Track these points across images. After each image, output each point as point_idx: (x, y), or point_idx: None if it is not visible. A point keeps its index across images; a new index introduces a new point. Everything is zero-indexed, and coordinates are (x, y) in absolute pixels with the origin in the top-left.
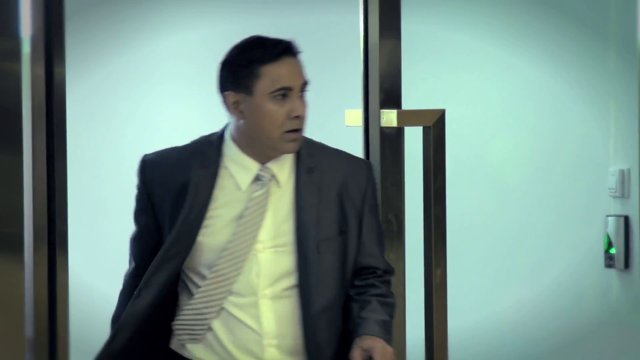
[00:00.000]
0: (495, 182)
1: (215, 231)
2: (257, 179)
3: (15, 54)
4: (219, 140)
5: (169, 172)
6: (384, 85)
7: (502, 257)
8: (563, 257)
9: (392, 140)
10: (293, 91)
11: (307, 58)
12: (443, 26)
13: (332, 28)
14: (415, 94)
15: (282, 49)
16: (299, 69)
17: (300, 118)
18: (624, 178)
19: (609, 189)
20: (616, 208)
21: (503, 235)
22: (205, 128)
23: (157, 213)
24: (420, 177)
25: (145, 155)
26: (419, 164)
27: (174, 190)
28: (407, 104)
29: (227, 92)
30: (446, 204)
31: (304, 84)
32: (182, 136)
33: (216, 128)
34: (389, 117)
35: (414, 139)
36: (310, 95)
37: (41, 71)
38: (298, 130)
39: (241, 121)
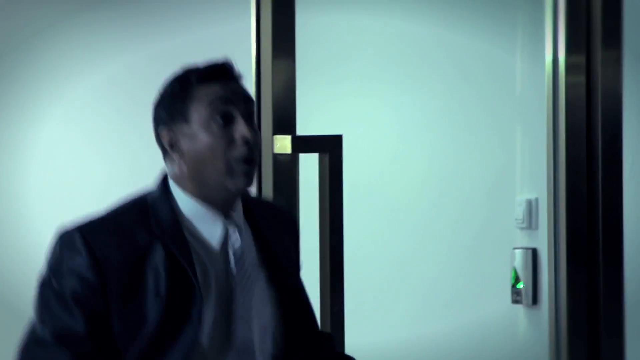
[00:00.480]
0: (393, 210)
1: None
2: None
3: None
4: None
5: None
6: (277, 110)
7: (398, 291)
8: (468, 292)
9: (286, 168)
10: (234, 112)
11: None
12: (341, 50)
13: (224, 45)
14: (313, 120)
15: (217, 69)
16: (239, 89)
17: (248, 144)
18: (531, 208)
19: (516, 219)
20: (523, 240)
21: (400, 264)
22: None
23: (109, 301)
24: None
25: (77, 230)
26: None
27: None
28: (304, 129)
29: (161, 131)
30: (343, 234)
31: (248, 103)
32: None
33: None
34: (283, 143)
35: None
36: None
37: None
38: (247, 160)
39: (182, 163)
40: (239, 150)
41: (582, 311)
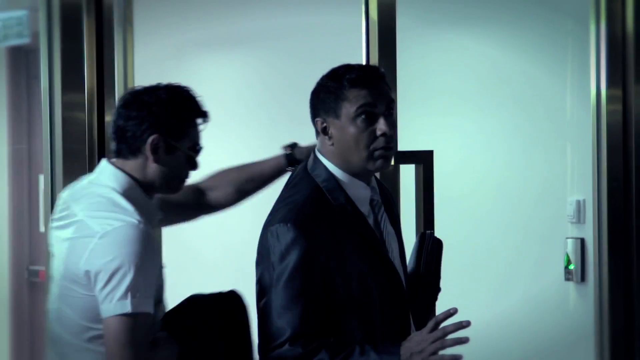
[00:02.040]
0: (473, 210)
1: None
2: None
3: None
4: (324, 172)
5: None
6: None
7: (477, 272)
8: (530, 273)
9: (389, 176)
10: (378, 112)
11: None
12: (437, 66)
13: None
14: (407, 135)
15: (366, 74)
16: (382, 91)
17: (386, 136)
18: (580, 207)
19: (568, 216)
20: (573, 232)
21: (478, 254)
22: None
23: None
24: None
25: (289, 222)
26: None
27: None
28: (402, 145)
29: (317, 119)
30: (434, 229)
31: (389, 104)
32: None
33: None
34: None
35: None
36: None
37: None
38: (385, 148)
39: (333, 146)
40: (379, 142)
41: (620, 287)
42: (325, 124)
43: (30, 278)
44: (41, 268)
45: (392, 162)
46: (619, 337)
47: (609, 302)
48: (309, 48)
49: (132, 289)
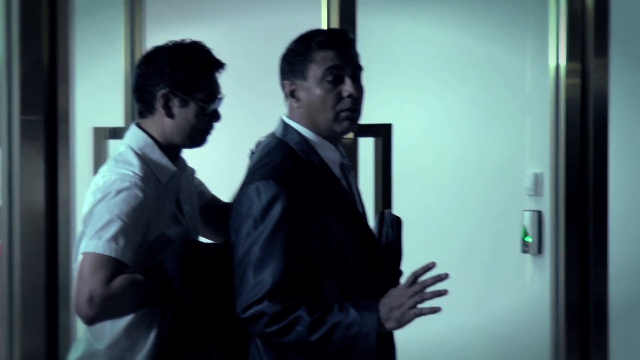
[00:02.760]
0: (431, 181)
1: None
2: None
3: None
4: (296, 135)
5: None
6: None
7: (436, 245)
8: (488, 245)
9: (349, 149)
10: (345, 74)
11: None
12: (391, 58)
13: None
14: (368, 108)
15: (334, 37)
16: (350, 55)
17: (352, 97)
18: (537, 180)
19: (525, 188)
20: (531, 204)
21: (436, 225)
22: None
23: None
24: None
25: (270, 179)
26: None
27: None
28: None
29: (285, 82)
30: (392, 200)
31: (356, 68)
32: None
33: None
34: None
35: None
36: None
37: None
38: (350, 109)
39: (301, 108)
40: (345, 103)
41: (575, 258)
42: (293, 87)
43: None
44: None
45: (352, 135)
46: (574, 308)
47: (565, 273)
48: (270, 24)
49: (102, 232)
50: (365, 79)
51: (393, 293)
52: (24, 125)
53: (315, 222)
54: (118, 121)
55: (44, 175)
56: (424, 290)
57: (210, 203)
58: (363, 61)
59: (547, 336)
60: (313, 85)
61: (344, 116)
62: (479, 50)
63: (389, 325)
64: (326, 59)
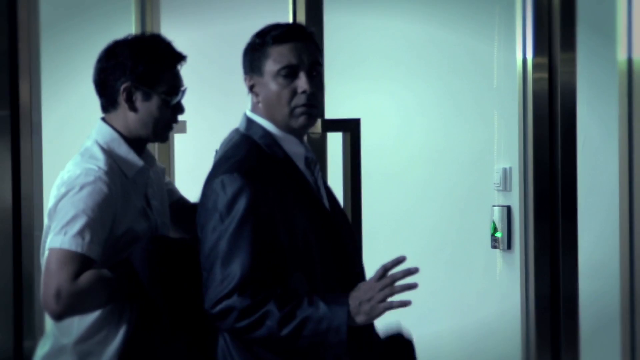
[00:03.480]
0: (398, 176)
1: None
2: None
3: None
4: (260, 129)
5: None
6: None
7: (405, 240)
8: (457, 240)
9: (317, 144)
10: (300, 70)
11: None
12: (358, 51)
13: None
14: (339, 108)
15: (290, 32)
16: (307, 50)
17: (306, 93)
18: (506, 175)
19: (494, 183)
20: (500, 199)
21: (403, 220)
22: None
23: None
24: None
25: (235, 172)
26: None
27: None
28: (331, 115)
29: (245, 76)
30: (361, 194)
31: (313, 63)
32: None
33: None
34: (315, 125)
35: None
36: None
37: None
38: (306, 105)
39: (260, 104)
40: (299, 98)
41: (545, 253)
42: (252, 82)
43: None
44: None
45: (320, 130)
46: (544, 303)
47: (534, 268)
48: (235, 19)
49: (68, 228)
50: (334, 73)
51: (362, 287)
52: None
53: (280, 215)
54: None
55: (11, 170)
56: (393, 284)
57: (177, 203)
58: (331, 55)
59: (517, 331)
60: (269, 81)
61: (299, 112)
62: (447, 44)
63: (359, 319)
64: (281, 54)
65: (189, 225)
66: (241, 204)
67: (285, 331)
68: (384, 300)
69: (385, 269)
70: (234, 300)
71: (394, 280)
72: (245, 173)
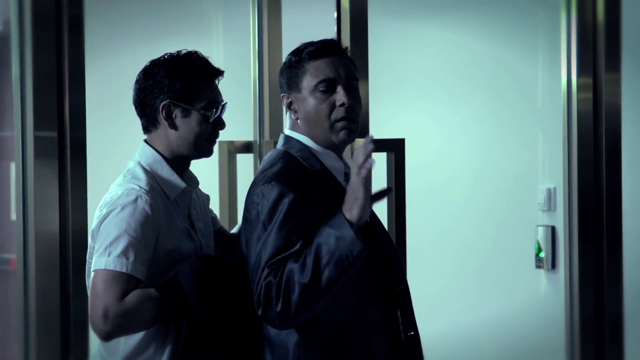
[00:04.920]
0: (445, 199)
1: None
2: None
3: None
4: (297, 144)
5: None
6: None
7: (451, 261)
8: (502, 261)
9: None
10: (337, 83)
11: None
12: (402, 74)
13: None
14: (384, 128)
15: (325, 47)
16: (343, 64)
17: (344, 106)
18: (550, 195)
19: (539, 203)
20: (544, 219)
21: (448, 240)
22: None
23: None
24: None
25: (273, 181)
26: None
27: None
28: (375, 133)
29: (283, 95)
30: (406, 213)
31: (350, 77)
32: None
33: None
34: (359, 145)
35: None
36: None
37: None
38: (345, 119)
39: (299, 120)
40: (338, 112)
41: (590, 273)
42: (290, 99)
43: (1, 266)
44: (12, 256)
45: None
46: (589, 324)
47: (579, 289)
48: (284, 43)
49: (111, 248)
50: (378, 93)
51: (347, 196)
52: (37, 141)
53: (320, 222)
54: (248, 135)
55: (58, 191)
56: (369, 176)
57: (218, 232)
58: (375, 76)
59: (562, 352)
60: (307, 96)
61: (339, 126)
62: (492, 65)
63: (353, 213)
64: (318, 69)
65: (230, 254)
66: (282, 207)
67: (308, 273)
68: (366, 191)
69: (358, 165)
70: (264, 275)
71: (367, 170)
72: (283, 181)
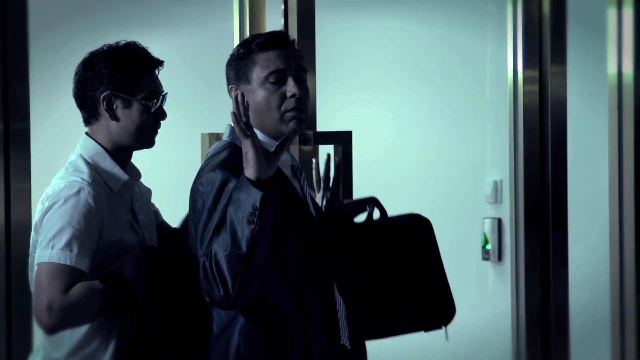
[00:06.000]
0: (391, 189)
1: None
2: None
3: None
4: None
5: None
6: None
7: None
8: (448, 252)
9: (308, 157)
10: (287, 75)
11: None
12: (351, 63)
13: None
14: (331, 120)
15: (274, 38)
16: (292, 55)
17: (295, 97)
18: (497, 187)
19: (485, 196)
20: (491, 212)
21: None
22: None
23: None
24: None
25: (216, 169)
26: None
27: None
28: (323, 128)
29: (230, 87)
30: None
31: (299, 68)
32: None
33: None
34: (306, 137)
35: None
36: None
37: None
38: (295, 109)
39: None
40: (289, 102)
41: (536, 265)
42: (238, 91)
43: None
44: None
45: (312, 144)
46: (535, 314)
47: (525, 280)
48: (225, 31)
49: (55, 241)
50: (326, 84)
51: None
52: None
53: None
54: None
55: (4, 183)
56: (249, 135)
57: (159, 226)
58: (322, 66)
59: (509, 343)
60: (257, 88)
61: (289, 116)
62: (442, 55)
63: (254, 175)
64: (268, 60)
65: (172, 247)
66: (226, 194)
67: (227, 243)
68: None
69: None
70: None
71: (246, 124)
72: (228, 168)
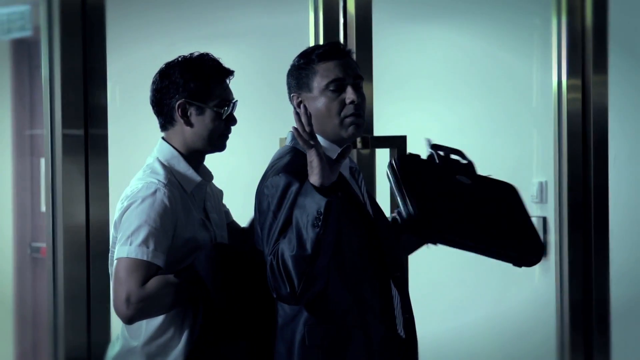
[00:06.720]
0: None
1: None
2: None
3: None
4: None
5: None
6: None
7: (450, 251)
8: None
9: (366, 159)
10: (346, 83)
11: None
12: (410, 56)
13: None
14: (387, 127)
15: (332, 49)
16: (349, 65)
17: (354, 104)
18: (542, 188)
19: (532, 196)
20: (537, 211)
21: None
22: None
23: None
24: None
25: (280, 173)
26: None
27: None
28: (379, 130)
29: (292, 95)
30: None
31: (356, 77)
32: None
33: None
34: (365, 141)
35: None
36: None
37: None
38: (354, 115)
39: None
40: (348, 109)
41: (579, 261)
42: (300, 99)
43: (33, 254)
44: (42, 245)
45: (369, 148)
46: (578, 309)
47: (568, 276)
48: (290, 47)
49: (133, 238)
50: (381, 93)
51: (311, 163)
52: (65, 138)
53: None
54: None
55: (85, 186)
56: (314, 145)
57: (229, 225)
58: (378, 77)
59: (552, 335)
60: (318, 95)
61: (348, 122)
62: (490, 66)
63: (319, 182)
64: (328, 70)
65: (241, 245)
66: (290, 196)
67: (293, 244)
68: (317, 156)
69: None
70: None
71: (311, 135)
72: (290, 172)
